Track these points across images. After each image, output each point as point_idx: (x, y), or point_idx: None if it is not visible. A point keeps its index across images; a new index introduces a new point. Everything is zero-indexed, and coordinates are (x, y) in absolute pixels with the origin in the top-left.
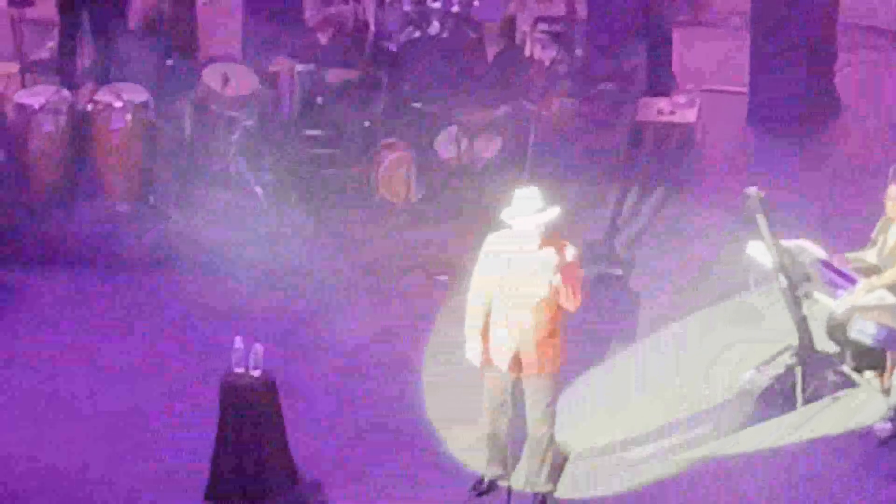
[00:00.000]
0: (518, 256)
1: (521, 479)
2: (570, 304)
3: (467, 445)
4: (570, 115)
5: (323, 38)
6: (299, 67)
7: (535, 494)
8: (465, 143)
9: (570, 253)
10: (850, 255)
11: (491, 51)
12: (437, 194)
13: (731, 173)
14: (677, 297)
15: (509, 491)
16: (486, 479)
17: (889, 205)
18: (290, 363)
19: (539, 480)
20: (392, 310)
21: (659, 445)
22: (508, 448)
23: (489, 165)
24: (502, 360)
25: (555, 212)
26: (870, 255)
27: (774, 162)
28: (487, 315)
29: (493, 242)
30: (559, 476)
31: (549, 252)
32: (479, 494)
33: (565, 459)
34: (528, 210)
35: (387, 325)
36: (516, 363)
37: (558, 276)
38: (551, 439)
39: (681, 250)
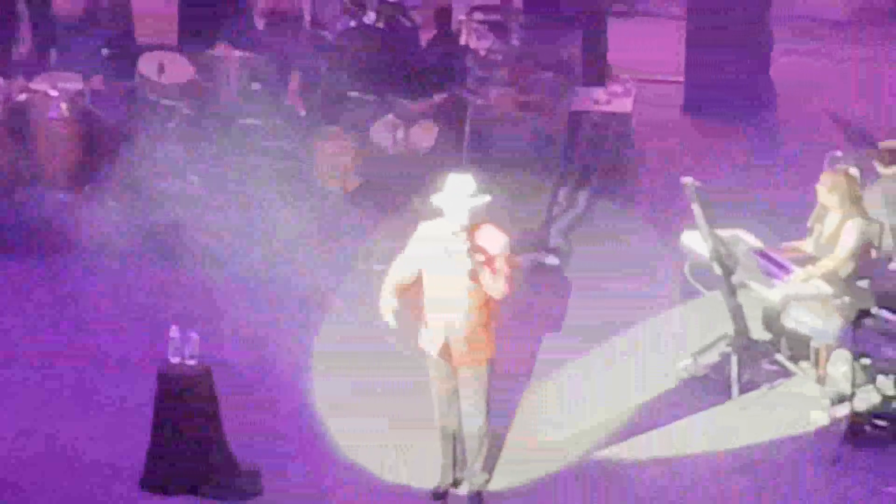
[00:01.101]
0: (448, 243)
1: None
2: (495, 291)
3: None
4: (506, 104)
5: (260, 26)
6: (237, 54)
7: (471, 489)
8: (401, 131)
9: (500, 240)
10: (788, 246)
11: (426, 40)
12: (375, 182)
13: (667, 163)
14: (613, 285)
15: (445, 494)
16: (441, 488)
17: (821, 193)
18: (229, 351)
19: (473, 473)
20: (335, 299)
21: (595, 433)
22: (458, 447)
23: (426, 154)
24: (433, 347)
25: (485, 199)
26: (806, 245)
27: (710, 151)
28: (405, 284)
29: (425, 229)
30: (493, 468)
31: (479, 239)
32: (436, 498)
33: (499, 451)
34: (458, 196)
35: (331, 314)
36: (446, 351)
37: (482, 263)
38: (486, 431)
39: (616, 239)
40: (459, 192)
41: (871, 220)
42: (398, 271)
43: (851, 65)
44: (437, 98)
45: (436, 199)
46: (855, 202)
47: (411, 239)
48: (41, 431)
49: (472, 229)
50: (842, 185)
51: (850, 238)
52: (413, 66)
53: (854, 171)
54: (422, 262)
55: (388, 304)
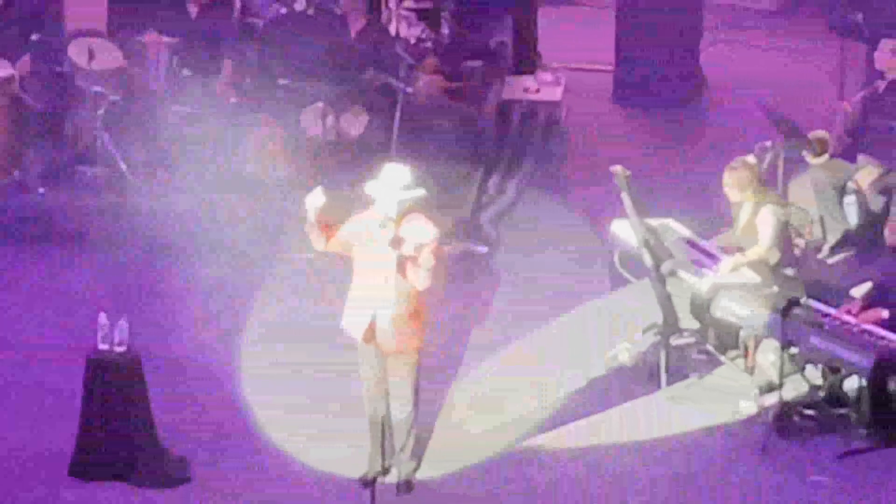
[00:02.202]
0: (378, 232)
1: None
2: (418, 282)
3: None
4: (436, 92)
5: (192, 13)
6: (166, 40)
7: (399, 477)
8: (330, 119)
9: (428, 231)
10: (721, 238)
11: (354, 27)
12: (305, 171)
13: (597, 151)
14: (542, 274)
15: (374, 481)
16: (369, 476)
17: (730, 194)
18: (158, 338)
19: (402, 460)
20: (272, 284)
21: (522, 422)
22: (387, 436)
23: (356, 142)
24: (358, 330)
25: (419, 193)
26: (731, 236)
27: (640, 141)
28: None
29: (356, 217)
30: (422, 456)
31: (407, 229)
32: (365, 486)
33: (428, 439)
34: (392, 186)
35: (263, 301)
36: (371, 335)
37: (408, 254)
38: (414, 419)
39: (546, 228)
40: (393, 182)
41: (792, 205)
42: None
43: (781, 55)
44: (367, 86)
45: (368, 188)
46: (763, 189)
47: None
48: None
49: (400, 219)
50: (746, 178)
51: (766, 225)
52: (341, 55)
53: (751, 157)
54: (353, 237)
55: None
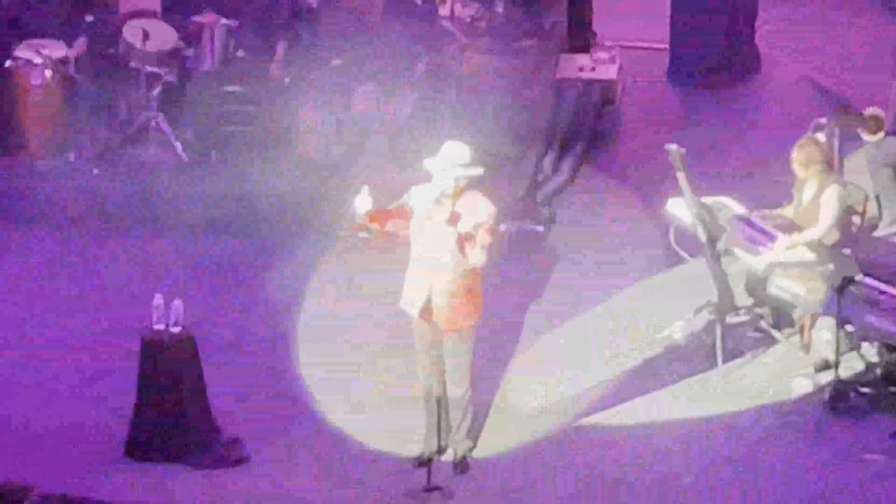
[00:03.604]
0: (434, 208)
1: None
2: (474, 259)
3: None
4: (490, 72)
5: None
6: (221, 22)
7: (455, 456)
8: (381, 99)
9: (485, 209)
10: (769, 212)
11: (409, 7)
12: (355, 151)
13: (652, 129)
14: (597, 252)
15: (429, 461)
16: (425, 455)
17: (796, 168)
18: (214, 319)
19: (458, 440)
20: (328, 270)
21: (578, 401)
22: (443, 414)
23: (407, 121)
24: (414, 308)
25: (477, 171)
26: (788, 212)
27: (695, 118)
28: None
29: (414, 192)
30: (477, 435)
31: (465, 206)
32: (420, 465)
33: (484, 417)
34: (451, 164)
35: (315, 281)
36: (428, 313)
37: (465, 231)
38: (470, 398)
39: (601, 206)
40: (451, 159)
41: (848, 183)
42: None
43: (837, 31)
44: (419, 67)
45: (427, 164)
46: (829, 169)
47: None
48: (27, 400)
49: (458, 196)
50: (814, 156)
51: (829, 206)
52: (394, 35)
53: (821, 136)
54: (410, 214)
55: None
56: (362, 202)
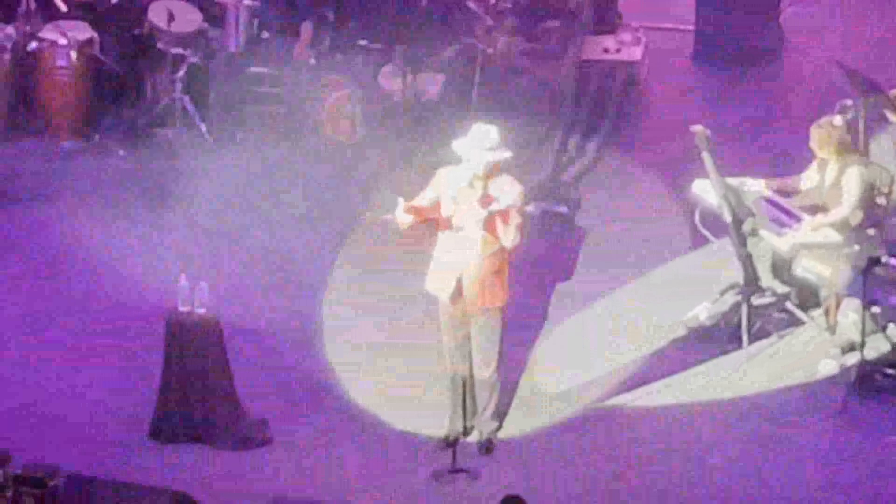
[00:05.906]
0: (465, 190)
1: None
2: (507, 240)
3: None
4: (515, 52)
5: None
6: (246, 2)
7: (481, 437)
8: (409, 76)
9: (514, 190)
10: (775, 183)
11: None
12: (382, 131)
13: (677, 111)
14: (623, 233)
15: (455, 441)
16: (451, 436)
17: (815, 150)
18: (237, 301)
19: (483, 421)
20: (353, 252)
21: (603, 382)
22: (468, 396)
23: (433, 102)
24: (444, 291)
25: (506, 154)
26: (794, 181)
27: (720, 99)
28: (420, 206)
29: (443, 174)
30: (503, 416)
31: (494, 187)
32: (448, 446)
33: (509, 399)
34: (480, 146)
35: (339, 264)
36: (458, 295)
37: (495, 212)
38: (496, 379)
39: (626, 188)
40: (481, 141)
41: (873, 164)
42: (418, 199)
43: (862, 11)
44: (448, 49)
45: (456, 146)
46: (848, 149)
47: (431, 182)
48: (53, 381)
49: (487, 178)
50: (831, 138)
51: (851, 186)
52: (420, 15)
53: (838, 119)
54: (441, 197)
55: (401, 215)
56: (402, 216)
